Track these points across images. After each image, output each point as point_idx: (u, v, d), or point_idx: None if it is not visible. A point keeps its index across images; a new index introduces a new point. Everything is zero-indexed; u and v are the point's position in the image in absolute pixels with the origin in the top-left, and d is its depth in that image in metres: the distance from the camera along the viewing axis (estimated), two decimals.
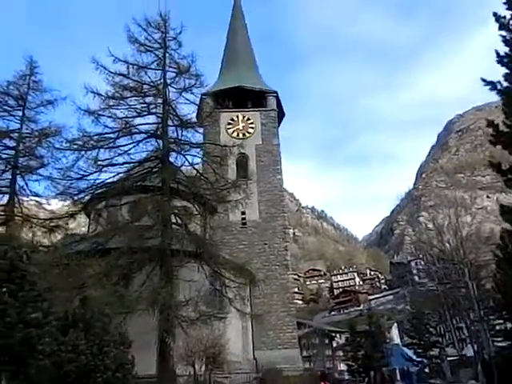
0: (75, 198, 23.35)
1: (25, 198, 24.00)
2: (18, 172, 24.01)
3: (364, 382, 29.53)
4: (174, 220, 24.02)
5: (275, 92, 37.15)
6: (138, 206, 23.97)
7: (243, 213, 30.60)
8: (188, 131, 25.42)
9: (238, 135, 32.39)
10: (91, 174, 23.67)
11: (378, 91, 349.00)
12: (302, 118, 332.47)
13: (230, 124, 33.35)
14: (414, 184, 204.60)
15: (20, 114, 25.03)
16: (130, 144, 24.58)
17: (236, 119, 33.64)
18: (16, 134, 24.56)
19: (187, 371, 16.97)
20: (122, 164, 24.37)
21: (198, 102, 26.62)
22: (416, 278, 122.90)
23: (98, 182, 24.06)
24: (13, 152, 24.26)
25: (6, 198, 23.53)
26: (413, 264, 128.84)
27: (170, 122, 25.22)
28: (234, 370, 23.86)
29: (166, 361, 19.44)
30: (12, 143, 24.36)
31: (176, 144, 25.32)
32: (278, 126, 37.53)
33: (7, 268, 7.84)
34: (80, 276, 19.58)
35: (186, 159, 25.21)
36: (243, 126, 33.39)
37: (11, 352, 7.35)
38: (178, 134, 25.56)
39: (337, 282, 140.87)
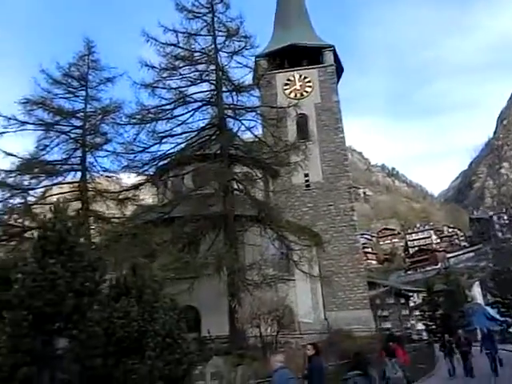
0: (140, 170, 24.09)
1: (95, 174, 25.04)
2: (86, 149, 25.04)
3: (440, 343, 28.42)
4: (235, 186, 24.06)
5: (332, 46, 35.24)
6: (200, 174, 24.21)
7: (306, 175, 29.93)
8: (243, 96, 25.01)
9: (295, 96, 31.35)
10: (152, 146, 24.25)
11: (448, 35, 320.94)
12: (366, 72, 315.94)
13: (286, 85, 32.34)
14: (495, 133, 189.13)
15: (83, 93, 25.85)
16: (186, 114, 24.77)
17: (292, 79, 32.52)
18: (81, 114, 25.49)
19: (254, 333, 17.22)
20: (181, 134, 24.65)
21: (250, 65, 25.98)
22: (499, 233, 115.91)
23: (159, 153, 24.64)
24: (80, 131, 25.26)
25: (78, 174, 24.70)
26: (495, 219, 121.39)
27: (223, 88, 24.91)
28: (305, 330, 23.91)
29: (235, 322, 19.85)
30: (79, 122, 25.35)
31: (231, 110, 25.05)
32: (337, 82, 35.80)
33: (56, 240, 8.05)
34: (149, 244, 20.30)
35: (243, 124, 24.94)
36: (300, 86, 32.22)
37: (63, 319, 7.62)
38: (232, 100, 25.27)
39: (412, 240, 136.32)
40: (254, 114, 25.20)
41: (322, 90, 32.26)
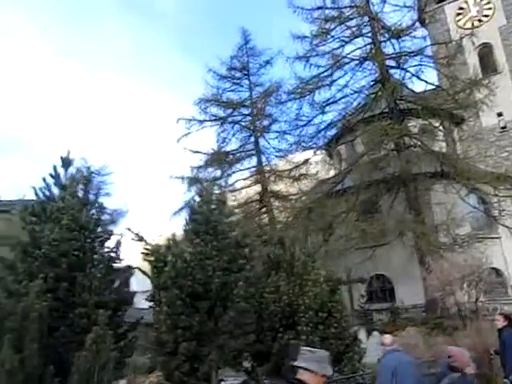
0: (307, 144, 23.82)
1: (269, 155, 25.94)
2: (258, 134, 26.07)
3: None
4: (410, 143, 21.62)
5: None
6: (369, 136, 22.50)
7: (499, 114, 24.88)
8: (404, 40, 22.16)
9: (472, 25, 26.18)
10: (315, 117, 23.66)
11: None
12: None
13: (458, 15, 27.30)
14: None
15: (247, 82, 26.96)
16: (345, 76, 23.31)
17: (465, 5, 27.24)
18: (248, 102, 26.63)
19: (451, 300, 15.08)
20: (343, 98, 23.35)
21: (409, 4, 22.79)
22: None
23: (324, 123, 23.90)
24: (249, 118, 26.44)
25: (253, 159, 25.95)
26: None
27: (381, 38, 22.52)
28: None
29: (427, 290, 17.89)
30: (247, 110, 26.58)
31: (393, 59, 22.49)
32: None
33: (202, 221, 8.20)
34: (324, 217, 19.90)
35: (409, 72, 22.11)
36: (477, 11, 26.77)
37: (210, 297, 7.70)
38: (393, 48, 22.65)
39: None
40: (420, 57, 22.07)
41: (507, 8, 26.17)
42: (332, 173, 24.79)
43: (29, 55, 49.05)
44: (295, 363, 2.45)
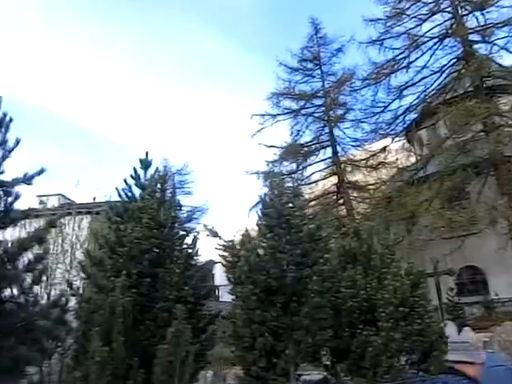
0: (384, 131, 22.84)
1: (345, 146, 25.25)
2: (332, 124, 25.48)
3: None
4: (501, 122, 19.77)
5: None
6: (453, 118, 20.93)
7: None
8: (489, 12, 20.27)
9: None
10: (392, 102, 22.59)
11: None
12: None
13: None
14: None
15: (319, 72, 26.44)
16: (423, 56, 21.94)
17: None
18: (321, 92, 26.12)
19: None
20: (421, 80, 22.01)
21: None
22: None
23: (402, 108, 22.73)
24: (323, 108, 25.93)
25: (329, 150, 25.42)
26: None
27: (462, 12, 20.82)
28: None
29: None
30: (320, 101, 26.08)
31: (477, 33, 20.68)
32: None
33: (274, 215, 8.15)
34: (405, 207, 18.91)
35: (496, 45, 20.19)
36: None
37: (285, 292, 7.60)
38: (477, 21, 20.83)
39: None
40: (509, 28, 20.04)
41: None
42: (412, 159, 23.49)
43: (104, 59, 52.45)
44: None
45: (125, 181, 10.18)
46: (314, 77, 26.47)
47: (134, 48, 52.38)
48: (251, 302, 7.67)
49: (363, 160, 24.24)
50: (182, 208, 11.65)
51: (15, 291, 6.24)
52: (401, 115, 22.56)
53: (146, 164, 10.27)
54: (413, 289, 7.93)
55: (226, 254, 8.85)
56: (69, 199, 16.69)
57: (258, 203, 23.46)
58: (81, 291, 9.06)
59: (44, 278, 8.69)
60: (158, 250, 8.66)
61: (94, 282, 8.45)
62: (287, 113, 26.34)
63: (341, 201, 24.11)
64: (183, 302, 7.76)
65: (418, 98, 22.14)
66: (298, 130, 26.53)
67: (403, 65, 21.93)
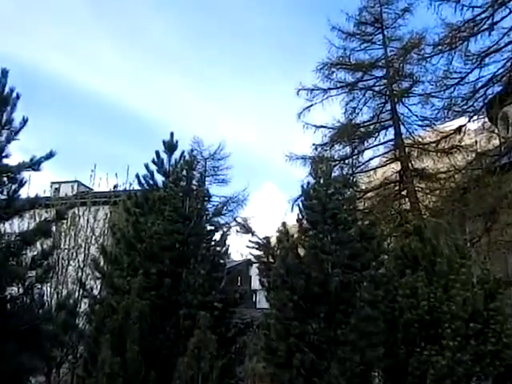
0: (460, 108, 21.87)
1: (410, 126, 24.37)
2: (395, 100, 24.70)
3: None
4: None
5: None
6: None
7: None
8: None
9: None
10: (470, 72, 21.51)
11: None
12: None
13: None
14: None
15: (380, 37, 25.57)
16: (510, 15, 20.70)
17: None
18: (382, 61, 25.30)
19: None
20: (508, 45, 20.80)
21: None
22: None
23: (482, 80, 21.65)
24: (384, 81, 25.14)
25: (391, 130, 24.64)
26: None
27: None
28: None
29: None
30: (381, 72, 25.27)
31: None
32: None
33: (319, 208, 8.02)
34: (485, 200, 18.12)
35: None
36: None
37: (328, 300, 7.45)
38: None
39: None
40: None
41: None
42: (495, 142, 22.39)
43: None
44: None
45: (146, 166, 10.28)
46: (374, 43, 25.62)
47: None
48: (288, 310, 7.59)
49: (433, 143, 23.33)
50: (214, 199, 11.67)
51: (19, 290, 6.45)
52: (481, 88, 21.44)
53: (170, 147, 10.35)
54: (488, 300, 7.57)
55: (260, 253, 8.74)
56: (87, 187, 17.13)
57: (300, 196, 23.26)
58: (94, 292, 9.30)
59: (52, 276, 8.95)
60: (181, 247, 8.73)
61: (108, 282, 8.63)
62: (341, 87, 25.69)
63: (404, 192, 23.36)
64: (209, 307, 7.81)
65: (502, 66, 20.93)
66: (354, 108, 25.81)
67: (485, 26, 20.80)
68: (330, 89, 25.66)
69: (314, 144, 25.06)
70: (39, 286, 6.82)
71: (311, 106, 25.45)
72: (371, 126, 25.32)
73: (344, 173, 25.40)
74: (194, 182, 10.17)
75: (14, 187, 6.89)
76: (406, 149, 24.00)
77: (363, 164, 24.95)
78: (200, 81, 57.01)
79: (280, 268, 7.77)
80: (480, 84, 21.56)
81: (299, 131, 26.57)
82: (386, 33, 25.32)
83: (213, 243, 9.30)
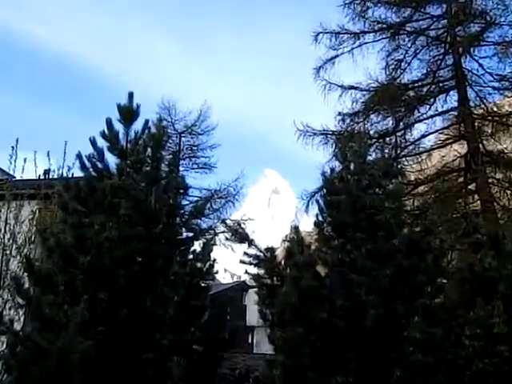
0: None
1: (480, 89, 24.52)
2: (460, 50, 24.79)
3: None
4: None
5: None
6: None
7: None
8: None
9: None
10: None
11: None
12: None
13: None
14: None
15: None
16: None
17: None
18: None
19: None
20: None
21: None
22: None
23: None
24: (444, 22, 25.26)
25: (453, 96, 24.76)
26: None
27: None
28: None
29: None
30: (438, 10, 25.38)
31: None
32: None
33: (346, 207, 8.09)
34: None
35: None
36: None
37: (362, 342, 7.54)
38: None
39: None
40: None
41: None
42: None
43: None
44: None
45: (92, 142, 10.28)
46: None
47: None
48: (302, 356, 7.63)
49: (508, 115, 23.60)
50: (193, 192, 11.69)
51: None
52: None
53: (128, 114, 10.34)
54: None
55: (260, 271, 8.80)
56: (5, 172, 17.01)
57: (320, 188, 23.24)
58: (16, 326, 9.27)
59: None
60: (143, 262, 8.74)
61: (36, 312, 8.64)
62: (380, 29, 25.80)
63: (472, 186, 23.54)
64: (185, 351, 7.85)
65: None
66: (399, 61, 25.98)
67: None
68: (363, 32, 25.74)
69: (339, 113, 25.12)
70: None
71: (336, 57, 25.51)
72: (424, 88, 25.46)
73: (385, 156, 25.56)
74: (162, 166, 10.15)
75: None
76: (476, 122, 24.11)
77: (412, 144, 25.10)
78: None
79: (291, 294, 7.79)
80: None
81: (317, 95, 26.53)
82: None
83: (191, 256, 9.31)
